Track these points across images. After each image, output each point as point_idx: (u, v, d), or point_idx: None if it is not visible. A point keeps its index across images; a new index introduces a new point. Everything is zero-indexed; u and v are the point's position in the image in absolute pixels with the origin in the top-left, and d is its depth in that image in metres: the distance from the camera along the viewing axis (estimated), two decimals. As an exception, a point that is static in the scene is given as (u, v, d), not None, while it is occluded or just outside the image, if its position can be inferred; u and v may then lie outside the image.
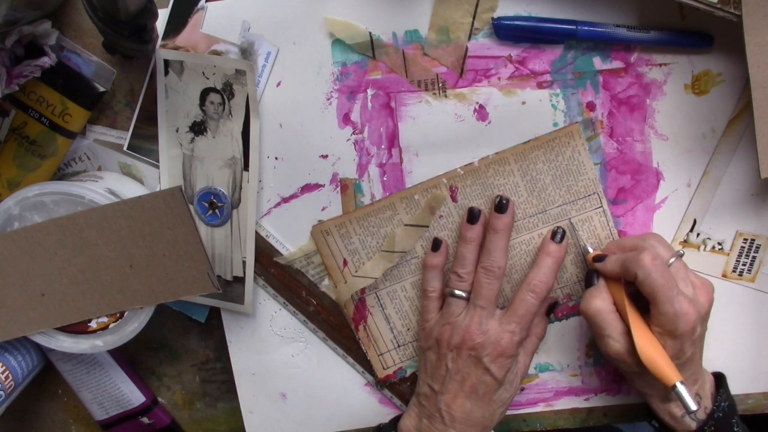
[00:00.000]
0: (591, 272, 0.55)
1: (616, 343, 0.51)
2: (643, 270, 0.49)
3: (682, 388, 0.48)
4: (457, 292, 0.55)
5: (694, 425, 0.52)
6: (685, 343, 0.50)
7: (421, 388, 0.57)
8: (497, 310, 0.55)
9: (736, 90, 0.54)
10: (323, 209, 0.58)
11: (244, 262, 0.58)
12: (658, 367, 0.49)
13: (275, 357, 0.62)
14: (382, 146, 0.56)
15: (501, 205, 0.55)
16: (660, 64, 0.54)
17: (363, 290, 0.59)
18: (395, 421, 0.59)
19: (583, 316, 0.54)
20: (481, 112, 0.55)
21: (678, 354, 0.50)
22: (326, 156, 0.57)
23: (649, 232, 0.57)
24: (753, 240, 0.57)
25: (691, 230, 0.57)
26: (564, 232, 0.56)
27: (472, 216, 0.55)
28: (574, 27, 0.52)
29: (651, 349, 0.49)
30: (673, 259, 0.51)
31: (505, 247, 0.55)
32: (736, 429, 0.52)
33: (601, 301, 0.52)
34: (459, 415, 0.54)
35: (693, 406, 0.48)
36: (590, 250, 0.56)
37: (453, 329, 0.54)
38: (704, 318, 0.51)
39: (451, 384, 0.54)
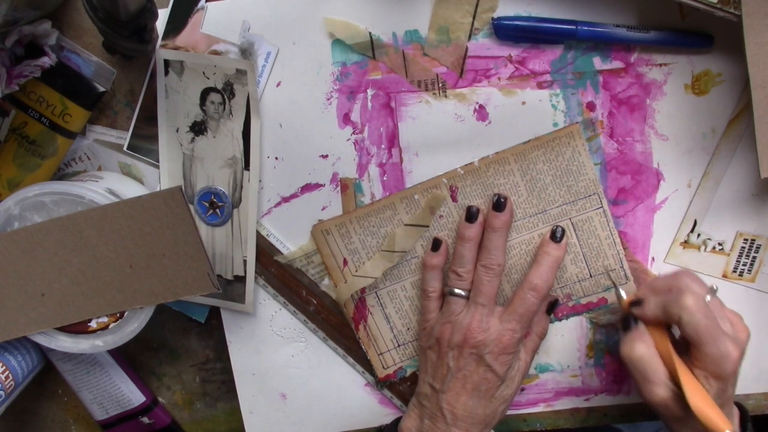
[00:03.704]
0: (627, 316, 0.53)
1: (661, 389, 0.49)
2: (687, 312, 0.48)
3: None
4: (456, 290, 0.55)
5: None
6: (728, 384, 0.49)
7: (422, 387, 0.57)
8: (497, 307, 0.55)
9: (736, 90, 0.54)
10: (323, 209, 0.58)
11: (244, 261, 0.58)
12: (707, 416, 0.47)
13: (275, 357, 0.62)
14: (382, 146, 0.56)
15: (499, 204, 0.55)
16: (660, 64, 0.54)
17: (363, 290, 0.59)
18: (397, 422, 0.58)
19: (625, 362, 0.51)
20: (481, 112, 0.55)
21: (720, 394, 0.49)
22: (326, 156, 0.57)
23: (680, 270, 0.54)
24: (753, 240, 0.57)
25: (692, 231, 0.57)
26: (563, 231, 0.56)
27: (471, 215, 0.55)
28: (574, 27, 0.52)
29: (700, 397, 0.48)
30: (708, 297, 0.49)
31: (504, 245, 0.55)
32: None
33: (645, 346, 0.50)
34: (461, 413, 0.54)
35: None
36: (623, 294, 0.55)
37: (453, 328, 0.55)
38: (743, 355, 0.50)
39: (453, 382, 0.54)
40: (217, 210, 0.57)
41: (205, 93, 0.55)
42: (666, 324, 0.51)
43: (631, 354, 0.51)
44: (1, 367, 0.57)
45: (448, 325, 0.55)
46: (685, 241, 0.58)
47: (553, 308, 0.58)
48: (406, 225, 0.57)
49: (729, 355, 0.48)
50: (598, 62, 0.54)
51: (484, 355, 0.53)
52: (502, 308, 0.55)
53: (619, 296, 0.55)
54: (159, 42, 0.55)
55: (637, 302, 0.53)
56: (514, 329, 0.54)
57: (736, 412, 0.53)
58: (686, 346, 0.50)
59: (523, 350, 0.57)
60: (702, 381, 0.49)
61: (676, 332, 0.52)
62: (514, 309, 0.54)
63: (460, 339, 0.54)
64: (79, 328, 0.56)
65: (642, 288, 0.55)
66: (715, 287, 0.51)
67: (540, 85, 0.54)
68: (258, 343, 0.61)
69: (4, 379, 0.57)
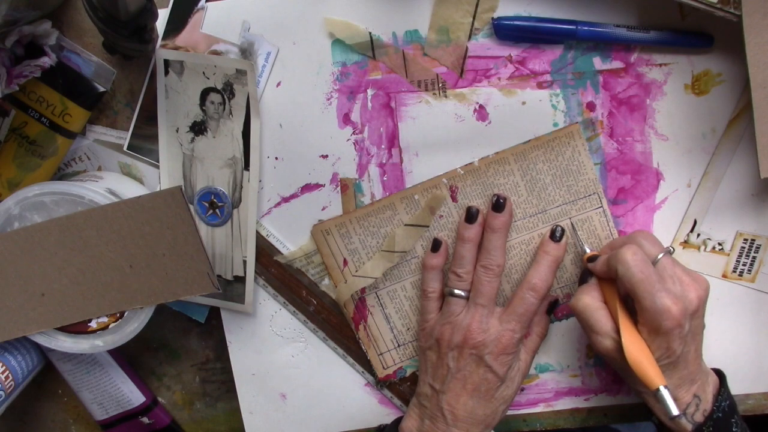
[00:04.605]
0: (585, 272, 0.55)
1: (604, 340, 0.51)
2: (622, 265, 0.49)
3: (664, 392, 0.48)
4: (456, 291, 0.55)
5: (690, 427, 0.51)
6: (672, 341, 0.49)
7: (422, 388, 0.57)
8: (497, 308, 0.55)
9: (736, 90, 0.54)
10: (323, 209, 0.58)
11: (244, 262, 0.58)
12: (642, 369, 0.48)
13: (275, 357, 0.62)
14: (382, 146, 0.56)
15: (498, 204, 0.55)
16: (660, 64, 0.54)
17: (363, 290, 0.59)
18: (397, 422, 0.58)
19: (573, 312, 0.54)
20: (481, 112, 0.55)
21: (667, 352, 0.49)
22: (326, 156, 0.57)
23: (638, 230, 0.56)
24: (753, 240, 0.57)
25: (692, 231, 0.57)
26: (563, 231, 0.56)
27: (470, 215, 0.55)
28: (574, 27, 0.52)
29: (636, 351, 0.49)
30: (660, 255, 0.50)
31: (504, 246, 0.55)
32: (734, 429, 0.52)
33: (590, 298, 0.52)
34: (462, 414, 0.54)
35: (674, 412, 0.48)
36: (587, 250, 0.56)
37: (453, 328, 0.55)
38: (694, 314, 0.50)
39: (453, 383, 0.54)
40: (217, 210, 0.57)
41: (205, 93, 0.55)
42: (612, 278, 0.52)
43: (576, 304, 0.53)
44: (1, 367, 0.57)
45: (448, 325, 0.55)
46: (685, 241, 0.58)
47: (553, 308, 0.58)
48: (406, 225, 0.57)
49: (666, 310, 0.48)
50: (598, 62, 0.54)
51: (484, 356, 0.53)
52: (502, 309, 0.55)
53: (582, 251, 0.56)
54: (159, 42, 0.55)
55: (594, 258, 0.54)
56: (514, 329, 0.54)
57: (713, 379, 0.53)
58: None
59: (524, 350, 0.57)
60: (645, 337, 0.50)
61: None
62: (513, 309, 0.54)
63: (459, 340, 0.54)
64: (79, 328, 0.56)
65: (605, 246, 0.56)
66: (671, 249, 0.53)
67: (540, 85, 0.54)
68: (258, 343, 0.61)
69: (4, 379, 0.57)
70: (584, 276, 0.55)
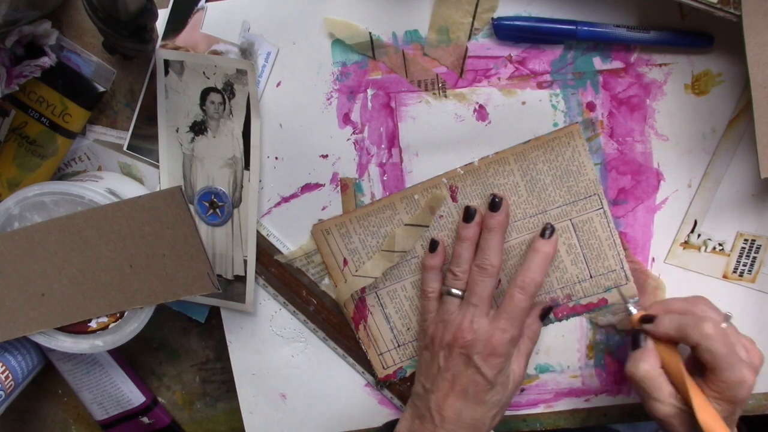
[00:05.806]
0: (637, 333, 0.53)
1: (665, 406, 0.50)
2: (706, 339, 0.49)
3: None
4: (452, 290, 0.55)
5: None
6: (739, 408, 0.49)
7: (416, 387, 0.57)
8: (492, 309, 0.55)
9: (736, 90, 0.54)
10: (323, 209, 0.58)
11: (245, 261, 0.58)
12: None
13: (275, 357, 0.62)
14: (382, 146, 0.56)
15: (494, 204, 0.55)
16: (660, 64, 0.54)
17: (363, 289, 0.59)
18: (394, 423, 0.58)
19: (629, 379, 0.53)
20: (481, 112, 0.55)
21: (729, 417, 0.49)
22: (326, 156, 0.57)
23: (696, 297, 0.55)
24: (753, 240, 0.57)
25: (692, 231, 0.57)
26: (553, 228, 0.55)
27: (469, 215, 0.55)
28: (573, 27, 0.52)
29: (710, 418, 0.48)
30: (725, 324, 0.51)
31: (499, 246, 0.54)
32: None
33: (648, 365, 0.51)
34: (449, 415, 0.53)
35: None
36: (634, 310, 0.55)
37: (446, 327, 0.54)
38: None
39: (442, 383, 0.54)
40: (217, 210, 0.57)
41: (205, 93, 0.55)
42: (675, 342, 0.52)
43: (635, 373, 0.52)
44: (1, 367, 0.57)
45: (441, 324, 0.55)
46: (686, 242, 0.57)
47: (546, 314, 0.58)
48: (406, 225, 0.57)
49: (745, 381, 0.48)
50: (598, 62, 0.54)
51: (473, 356, 0.53)
52: (494, 310, 0.54)
53: (629, 312, 0.55)
54: (159, 42, 0.55)
55: (648, 319, 0.53)
56: (504, 329, 0.53)
57: None
58: (696, 366, 0.51)
59: (516, 356, 0.56)
60: (712, 402, 0.49)
61: (683, 350, 0.52)
62: (503, 308, 0.54)
63: (450, 338, 0.54)
64: (79, 328, 0.56)
65: (655, 306, 0.55)
66: (730, 314, 0.52)
67: (540, 85, 0.54)
68: (258, 343, 0.61)
69: (4, 379, 0.57)
70: (636, 338, 0.53)
